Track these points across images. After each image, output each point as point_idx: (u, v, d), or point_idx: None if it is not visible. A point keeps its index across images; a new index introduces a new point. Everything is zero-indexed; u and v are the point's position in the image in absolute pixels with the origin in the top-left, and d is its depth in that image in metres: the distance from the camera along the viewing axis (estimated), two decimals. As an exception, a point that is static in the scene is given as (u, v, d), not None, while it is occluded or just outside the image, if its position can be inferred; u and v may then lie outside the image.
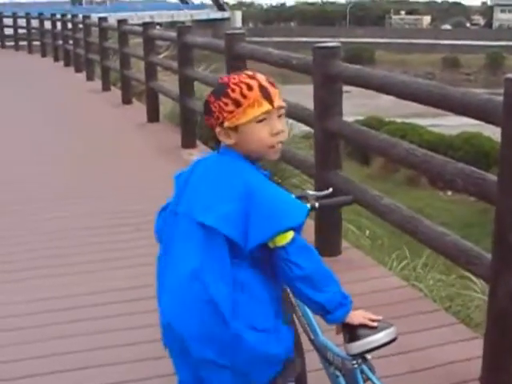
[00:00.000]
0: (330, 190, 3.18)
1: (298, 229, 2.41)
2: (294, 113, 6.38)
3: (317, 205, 2.92)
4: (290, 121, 7.27)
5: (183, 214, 2.46)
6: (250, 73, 2.50)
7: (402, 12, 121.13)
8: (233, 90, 2.43)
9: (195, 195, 2.46)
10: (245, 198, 2.36)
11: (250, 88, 2.43)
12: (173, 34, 10.50)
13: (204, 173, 2.51)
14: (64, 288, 5.25)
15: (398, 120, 32.91)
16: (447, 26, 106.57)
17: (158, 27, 13.28)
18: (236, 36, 7.59)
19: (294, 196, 2.74)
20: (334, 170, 5.62)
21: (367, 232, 8.46)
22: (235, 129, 2.45)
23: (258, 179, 2.44)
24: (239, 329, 2.35)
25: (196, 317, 2.35)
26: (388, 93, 4.83)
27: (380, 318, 2.55)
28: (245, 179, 2.40)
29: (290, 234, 2.39)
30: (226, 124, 2.44)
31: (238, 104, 2.43)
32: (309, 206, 2.83)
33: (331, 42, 5.81)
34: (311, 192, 3.00)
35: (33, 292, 5.19)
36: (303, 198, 2.92)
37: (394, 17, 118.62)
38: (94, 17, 23.11)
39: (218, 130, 2.48)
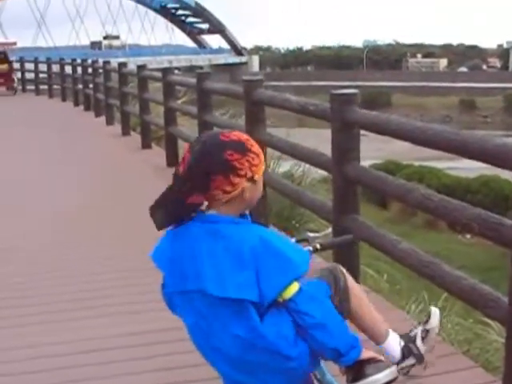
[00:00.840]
0: (330, 229, 3.24)
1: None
2: (311, 158, 6.48)
3: (318, 246, 2.96)
4: (307, 166, 7.38)
5: (196, 291, 2.52)
6: (236, 131, 2.62)
7: (419, 55, 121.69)
8: (252, 145, 2.56)
9: (199, 269, 2.49)
10: (252, 260, 2.43)
11: (257, 144, 2.59)
12: (192, 80, 10.66)
13: (198, 245, 2.52)
14: (100, 329, 5.32)
15: (416, 163, 33.00)
16: (464, 69, 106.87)
17: (176, 71, 13.47)
18: (254, 82, 7.70)
19: (294, 240, 2.84)
20: (352, 214, 5.68)
21: (385, 276, 8.48)
22: (256, 182, 2.57)
23: (257, 234, 2.50)
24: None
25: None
26: (405, 139, 4.92)
27: (382, 358, 2.64)
28: (246, 241, 2.46)
29: (296, 286, 2.49)
30: (256, 177, 2.55)
31: (259, 157, 2.57)
32: (310, 248, 2.89)
33: (348, 88, 5.93)
34: (311, 234, 3.04)
35: (71, 333, 5.27)
36: (304, 240, 2.96)
37: (410, 60, 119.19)
38: (114, 61, 23.44)
39: (246, 185, 2.53)
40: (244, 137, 2.58)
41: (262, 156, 2.58)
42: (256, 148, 2.56)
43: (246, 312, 2.48)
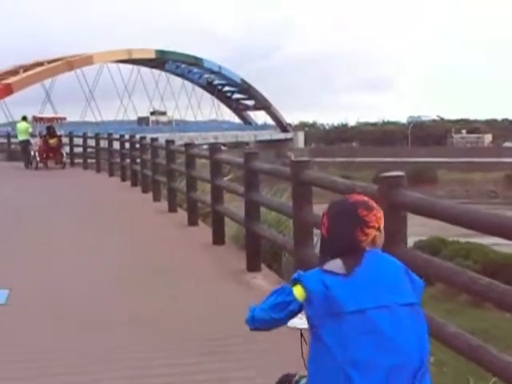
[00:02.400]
0: None
1: None
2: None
3: None
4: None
5: (393, 303, 3.09)
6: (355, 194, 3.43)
7: (463, 131, 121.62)
8: (373, 203, 3.25)
9: (386, 287, 3.12)
10: (406, 275, 3.22)
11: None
12: (239, 159, 10.80)
13: (377, 268, 3.17)
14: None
15: (461, 239, 32.70)
16: (509, 144, 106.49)
17: (222, 147, 13.67)
18: (301, 163, 7.82)
19: None
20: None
21: (432, 358, 8.40)
22: (381, 230, 3.23)
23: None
24: None
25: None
26: (451, 222, 4.97)
27: None
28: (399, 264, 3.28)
29: None
30: (381, 226, 3.23)
31: (380, 211, 3.26)
32: None
33: (393, 164, 6.00)
34: None
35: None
36: None
37: (455, 136, 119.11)
38: (161, 137, 23.81)
39: (376, 233, 3.18)
40: (365, 198, 3.29)
41: (381, 210, 3.26)
42: (376, 205, 3.25)
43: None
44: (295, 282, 3.19)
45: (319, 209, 7.91)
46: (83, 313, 8.17)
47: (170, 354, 6.67)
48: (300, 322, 3.29)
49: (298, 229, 8.03)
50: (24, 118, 33.44)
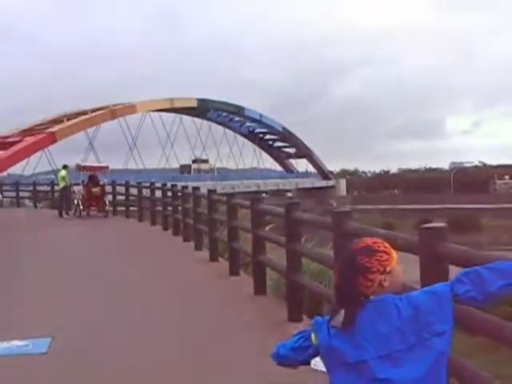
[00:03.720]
0: None
1: None
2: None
3: None
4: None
5: (393, 351, 3.20)
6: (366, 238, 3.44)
7: (506, 176, 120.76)
8: (378, 246, 3.32)
9: (386, 335, 3.21)
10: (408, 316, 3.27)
11: (383, 243, 3.38)
12: (280, 210, 10.81)
13: (378, 316, 3.25)
14: None
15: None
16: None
17: (263, 195, 13.66)
18: (343, 214, 7.81)
19: None
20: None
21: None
22: (390, 272, 3.28)
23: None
24: None
25: None
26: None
27: None
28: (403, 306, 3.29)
29: None
30: (388, 268, 3.28)
31: (387, 253, 3.32)
32: None
33: (437, 223, 5.95)
34: None
35: None
36: None
37: (497, 181, 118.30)
38: (203, 185, 23.98)
39: (381, 277, 3.25)
40: (371, 241, 3.36)
41: (390, 251, 3.34)
42: (383, 247, 3.33)
43: None
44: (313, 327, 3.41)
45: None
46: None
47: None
48: (322, 364, 3.44)
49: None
50: (65, 167, 33.90)
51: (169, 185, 26.10)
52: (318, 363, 3.55)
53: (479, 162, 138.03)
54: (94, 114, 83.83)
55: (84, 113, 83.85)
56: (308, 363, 3.59)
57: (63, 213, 32.34)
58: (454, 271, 5.94)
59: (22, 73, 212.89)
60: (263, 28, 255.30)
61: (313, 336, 3.41)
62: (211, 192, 17.53)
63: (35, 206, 42.70)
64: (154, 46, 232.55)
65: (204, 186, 22.17)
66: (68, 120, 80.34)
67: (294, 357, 3.53)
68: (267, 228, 14.81)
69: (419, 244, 5.75)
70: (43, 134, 74.87)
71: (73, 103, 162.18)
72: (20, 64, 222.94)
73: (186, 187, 22.40)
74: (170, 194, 24.87)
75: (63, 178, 32.88)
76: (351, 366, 3.20)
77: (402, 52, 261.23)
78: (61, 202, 33.28)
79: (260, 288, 12.14)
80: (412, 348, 3.19)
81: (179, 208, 22.54)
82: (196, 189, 20.22)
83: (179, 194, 22.77)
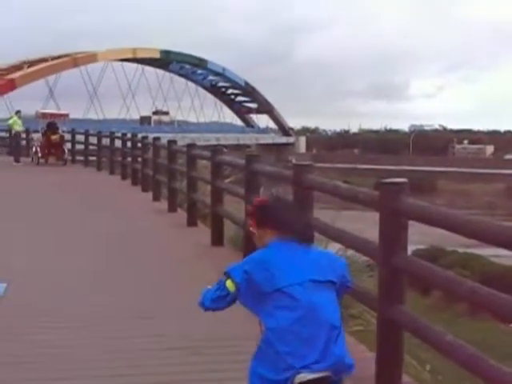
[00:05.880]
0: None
1: None
2: (358, 246, 6.50)
3: None
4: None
5: (309, 280, 3.78)
6: None
7: (465, 141, 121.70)
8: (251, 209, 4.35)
9: (306, 266, 3.84)
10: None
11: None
12: (241, 161, 10.78)
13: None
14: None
15: (460, 250, 32.74)
16: (510, 156, 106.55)
17: (224, 149, 13.60)
18: (304, 167, 7.78)
19: None
20: (398, 304, 5.66)
21: (428, 366, 8.38)
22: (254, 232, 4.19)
23: None
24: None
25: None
26: (455, 232, 4.94)
27: None
28: None
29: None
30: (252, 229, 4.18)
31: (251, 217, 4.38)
32: None
33: (392, 172, 5.96)
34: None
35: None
36: None
37: (456, 146, 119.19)
38: (163, 137, 23.82)
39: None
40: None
41: (254, 216, 4.14)
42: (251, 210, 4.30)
43: None
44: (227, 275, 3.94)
45: (319, 213, 7.90)
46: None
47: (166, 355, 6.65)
48: None
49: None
50: (17, 113, 33.63)
51: (129, 135, 25.87)
52: None
53: (439, 126, 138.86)
54: (55, 61, 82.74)
55: (45, 60, 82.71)
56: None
57: (14, 159, 31.87)
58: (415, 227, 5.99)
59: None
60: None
61: (228, 283, 3.88)
62: (171, 142, 17.41)
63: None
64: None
65: (164, 138, 21.92)
66: (28, 67, 79.24)
67: (217, 306, 4.01)
68: (226, 181, 14.77)
69: (379, 198, 5.74)
70: (3, 81, 73.81)
71: (34, 49, 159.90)
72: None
73: (146, 137, 22.23)
74: (129, 144, 24.69)
75: (14, 124, 32.47)
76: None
77: (375, 13, 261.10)
78: (15, 148, 32.90)
79: (217, 239, 12.15)
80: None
81: (139, 159, 22.39)
82: (156, 139, 20.06)
83: (139, 144, 22.60)
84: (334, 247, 8.84)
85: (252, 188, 10.04)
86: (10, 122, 33.32)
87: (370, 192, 6.30)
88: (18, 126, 32.32)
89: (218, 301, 3.96)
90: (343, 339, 3.79)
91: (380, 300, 5.78)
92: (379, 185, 5.78)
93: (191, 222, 14.41)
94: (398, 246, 5.57)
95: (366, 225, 8.83)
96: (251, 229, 4.13)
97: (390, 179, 5.86)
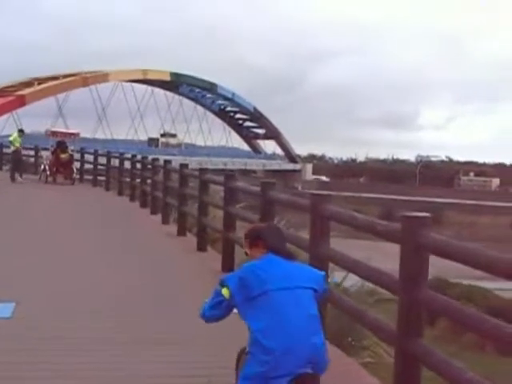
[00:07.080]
0: None
1: None
2: (375, 278, 6.45)
3: None
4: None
5: (294, 286, 4.55)
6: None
7: (471, 173, 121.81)
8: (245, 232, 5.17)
9: (290, 275, 4.61)
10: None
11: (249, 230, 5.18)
12: (256, 188, 10.74)
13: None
14: None
15: (465, 282, 32.60)
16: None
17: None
18: (322, 197, 7.77)
19: None
20: (417, 338, 5.62)
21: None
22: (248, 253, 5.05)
23: None
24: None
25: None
26: (475, 268, 4.93)
27: None
28: None
29: None
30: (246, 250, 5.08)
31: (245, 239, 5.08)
32: None
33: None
34: None
35: None
36: None
37: (462, 178, 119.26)
38: (174, 160, 23.83)
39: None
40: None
41: (247, 237, 4.95)
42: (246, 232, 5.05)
43: None
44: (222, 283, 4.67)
45: (333, 242, 7.87)
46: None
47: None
48: None
49: (314, 263, 7.94)
50: (20, 131, 33.93)
51: (138, 156, 25.93)
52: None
53: (446, 157, 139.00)
54: (65, 79, 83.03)
55: (55, 78, 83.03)
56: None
57: (16, 176, 31.66)
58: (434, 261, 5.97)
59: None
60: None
61: (224, 290, 4.56)
62: (183, 166, 17.43)
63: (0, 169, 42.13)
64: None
65: (172, 161, 21.93)
66: (39, 84, 79.51)
67: (215, 313, 4.70)
68: (238, 206, 14.74)
69: (402, 231, 5.71)
70: (12, 97, 74.05)
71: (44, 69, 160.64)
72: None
73: (157, 159, 22.27)
74: (139, 165, 24.72)
75: (14, 141, 32.53)
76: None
77: (388, 44, 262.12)
78: (13, 166, 32.91)
79: (228, 264, 12.07)
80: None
81: (148, 180, 22.39)
82: (168, 162, 20.08)
83: (149, 166, 22.61)
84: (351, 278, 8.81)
85: (267, 215, 9.98)
86: (11, 138, 33.50)
87: (390, 224, 6.28)
88: (18, 143, 32.42)
89: (215, 307, 4.68)
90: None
91: (399, 333, 5.74)
92: (401, 218, 5.75)
93: (201, 247, 14.34)
94: (419, 280, 5.55)
95: (375, 253, 8.80)
96: (245, 250, 4.95)
97: (412, 213, 5.84)
